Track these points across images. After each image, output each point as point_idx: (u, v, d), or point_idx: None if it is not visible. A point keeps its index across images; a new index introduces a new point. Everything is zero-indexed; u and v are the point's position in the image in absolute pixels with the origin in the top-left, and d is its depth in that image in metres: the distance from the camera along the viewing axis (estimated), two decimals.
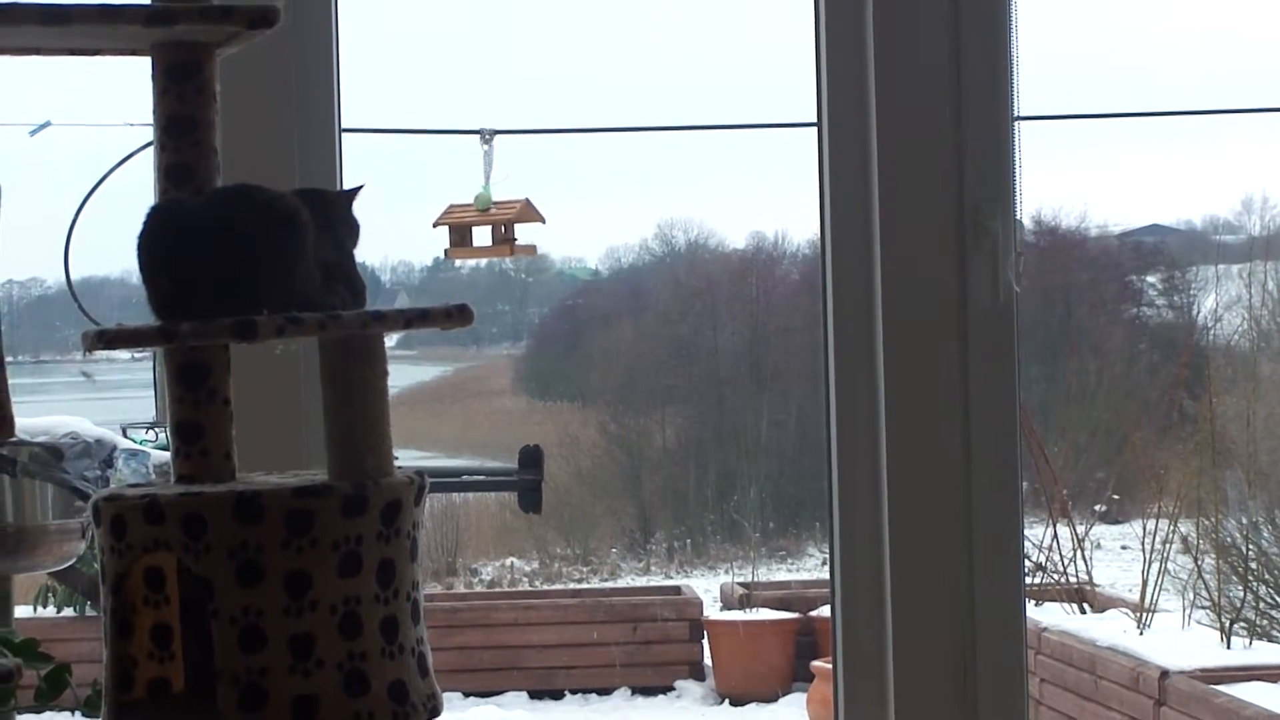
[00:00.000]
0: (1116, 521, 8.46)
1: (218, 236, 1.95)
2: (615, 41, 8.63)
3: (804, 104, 3.04)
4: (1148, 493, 7.64)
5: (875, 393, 2.95)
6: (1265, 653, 6.36)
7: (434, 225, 5.03)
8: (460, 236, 4.99)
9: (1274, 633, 6.63)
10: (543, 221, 5.04)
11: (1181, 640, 6.48)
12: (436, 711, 2.02)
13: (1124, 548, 8.29)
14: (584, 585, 9.11)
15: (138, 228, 1.99)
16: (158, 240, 1.98)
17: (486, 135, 5.08)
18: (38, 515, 2.68)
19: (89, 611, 7.26)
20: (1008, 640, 2.95)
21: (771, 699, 8.15)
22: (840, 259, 2.97)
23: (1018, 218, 2.98)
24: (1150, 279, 9.15)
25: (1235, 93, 8.56)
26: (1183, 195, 9.19)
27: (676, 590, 8.75)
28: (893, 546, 2.93)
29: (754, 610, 8.37)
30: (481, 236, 5.00)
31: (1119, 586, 7.76)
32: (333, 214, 2.06)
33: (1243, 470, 7.19)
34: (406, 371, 9.44)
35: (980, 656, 2.93)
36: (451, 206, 5.04)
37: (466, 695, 8.01)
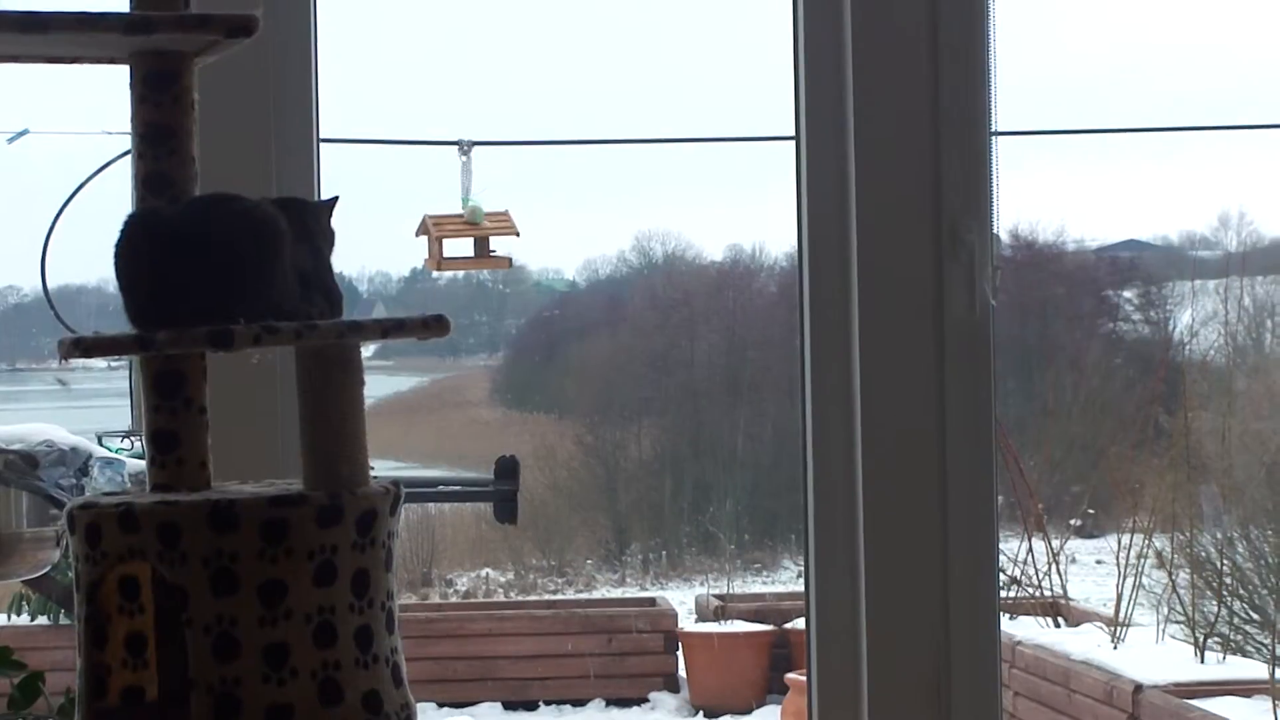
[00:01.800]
0: (1092, 536, 8.47)
1: (195, 245, 1.95)
2: (594, 54, 8.63)
3: (782, 117, 3.05)
4: (1123, 507, 7.65)
5: (851, 405, 2.95)
6: (1238, 667, 6.37)
7: (420, 235, 5.01)
8: (438, 248, 4.98)
9: (1247, 648, 6.64)
10: (517, 234, 5.04)
11: (1155, 654, 6.49)
12: None
13: (1099, 562, 8.30)
14: (559, 596, 9.10)
15: (115, 236, 1.99)
16: (135, 248, 1.98)
17: (465, 146, 5.07)
18: (12, 523, 2.68)
19: (63, 620, 7.23)
20: (982, 653, 2.96)
21: (746, 711, 8.14)
22: (817, 272, 2.98)
23: (995, 231, 2.99)
24: (1127, 294, 9.17)
25: (1213, 109, 8.58)
26: (1160, 211, 9.21)
27: (651, 602, 8.75)
28: (868, 559, 2.93)
29: (729, 622, 8.37)
30: (453, 248, 4.99)
31: (1093, 601, 7.77)
32: (310, 223, 2.06)
33: (1218, 485, 7.21)
34: (383, 382, 9.43)
35: (954, 669, 2.94)
36: (431, 218, 5.02)
37: (441, 706, 7.99)
